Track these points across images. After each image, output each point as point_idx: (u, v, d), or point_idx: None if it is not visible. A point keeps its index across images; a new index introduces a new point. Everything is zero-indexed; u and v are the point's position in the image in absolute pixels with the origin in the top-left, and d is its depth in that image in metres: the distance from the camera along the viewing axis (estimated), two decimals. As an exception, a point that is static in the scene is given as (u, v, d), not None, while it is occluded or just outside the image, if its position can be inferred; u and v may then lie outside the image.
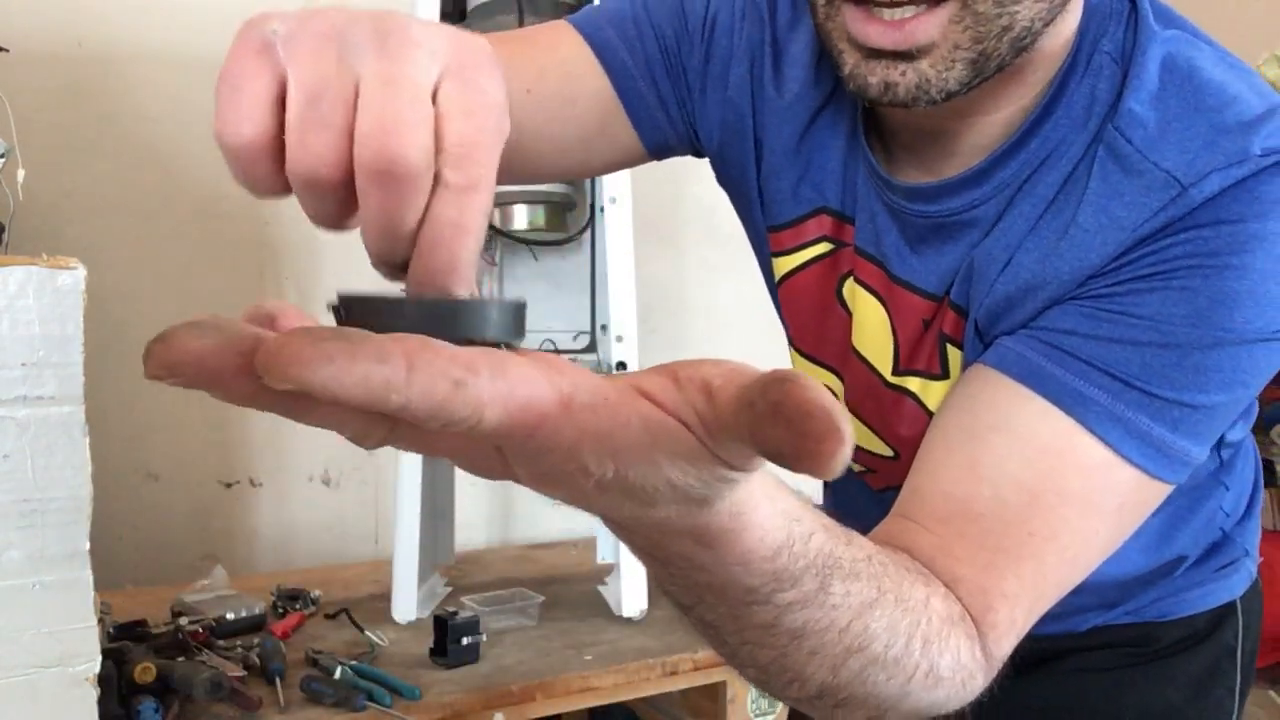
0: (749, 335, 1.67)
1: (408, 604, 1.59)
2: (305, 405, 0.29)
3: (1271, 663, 2.26)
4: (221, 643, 1.44)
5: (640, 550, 0.41)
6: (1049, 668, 0.87)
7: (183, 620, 1.46)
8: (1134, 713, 0.85)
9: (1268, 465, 2.28)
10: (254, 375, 0.27)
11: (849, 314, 0.77)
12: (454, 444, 0.32)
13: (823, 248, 0.78)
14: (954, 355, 0.71)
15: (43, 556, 1.02)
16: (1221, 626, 0.87)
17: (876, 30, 0.60)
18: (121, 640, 1.37)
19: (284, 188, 0.33)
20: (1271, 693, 2.31)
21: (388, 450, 0.33)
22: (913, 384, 0.74)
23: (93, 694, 1.06)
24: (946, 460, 0.63)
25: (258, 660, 1.39)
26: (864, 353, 0.77)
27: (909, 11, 0.59)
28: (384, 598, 1.62)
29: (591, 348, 1.69)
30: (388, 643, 1.51)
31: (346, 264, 1.78)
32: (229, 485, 1.99)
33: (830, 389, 0.81)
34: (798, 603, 0.44)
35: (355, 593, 1.74)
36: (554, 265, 1.73)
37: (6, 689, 1.01)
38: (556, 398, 0.29)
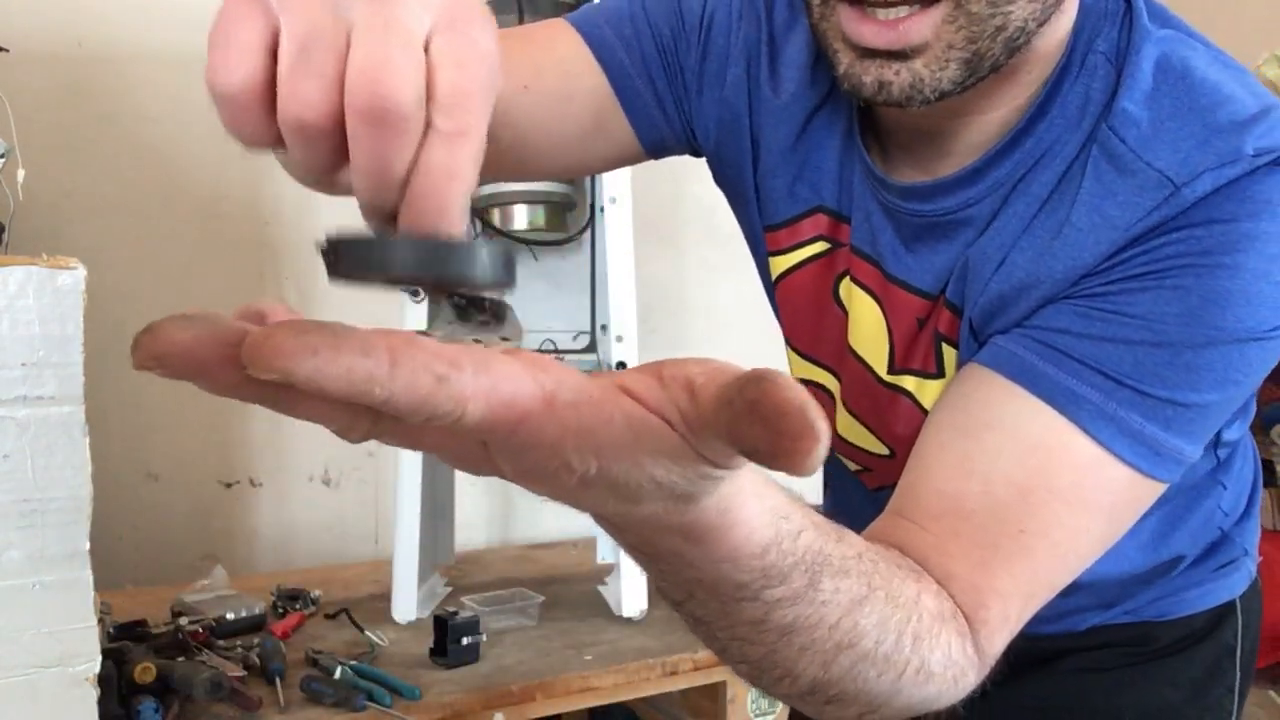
0: (749, 335, 1.67)
1: (408, 604, 1.59)
2: (290, 397, 0.29)
3: (1271, 663, 2.25)
4: (221, 643, 1.44)
5: (630, 547, 0.41)
6: (1048, 667, 0.87)
7: (183, 620, 1.46)
8: (1133, 712, 0.85)
9: (1267, 465, 2.27)
10: (240, 366, 0.27)
11: (845, 313, 0.78)
12: (438, 438, 0.33)
13: (819, 247, 0.78)
14: (949, 354, 0.71)
15: (43, 556, 1.02)
16: (1221, 626, 0.87)
17: (871, 30, 0.60)
18: (121, 640, 1.37)
19: (274, 137, 0.33)
20: (1271, 693, 2.31)
21: (388, 450, 0.33)
22: (908, 383, 0.74)
23: (93, 694, 1.06)
24: (940, 458, 0.63)
25: (258, 660, 1.39)
26: (860, 351, 0.77)
27: (903, 11, 0.59)
28: (384, 598, 1.62)
29: (591, 348, 1.69)
30: (388, 643, 1.51)
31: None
32: (229, 485, 1.99)
33: (827, 388, 0.82)
34: (787, 599, 0.44)
35: (355, 593, 1.73)
36: (554, 265, 1.73)
37: (6, 689, 1.01)
38: (540, 394, 0.30)
